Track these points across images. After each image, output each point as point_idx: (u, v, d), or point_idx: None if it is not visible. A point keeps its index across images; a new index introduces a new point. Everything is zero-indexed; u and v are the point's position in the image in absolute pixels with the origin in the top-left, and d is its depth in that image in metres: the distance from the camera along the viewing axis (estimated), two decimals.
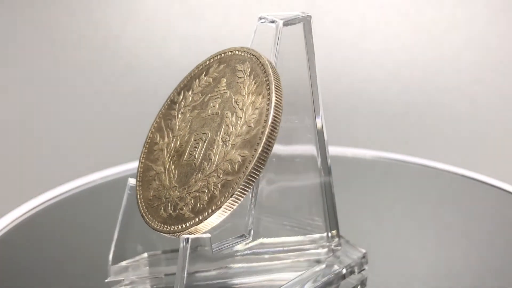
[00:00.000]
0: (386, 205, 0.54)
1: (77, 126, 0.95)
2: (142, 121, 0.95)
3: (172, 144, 0.39)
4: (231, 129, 0.35)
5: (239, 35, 0.96)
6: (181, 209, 0.35)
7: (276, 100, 0.34)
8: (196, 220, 0.34)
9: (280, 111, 0.34)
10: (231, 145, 0.35)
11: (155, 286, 0.39)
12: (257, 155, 0.33)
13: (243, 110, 0.35)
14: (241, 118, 0.35)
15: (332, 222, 0.40)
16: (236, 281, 0.38)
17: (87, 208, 0.53)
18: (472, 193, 0.56)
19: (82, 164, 0.86)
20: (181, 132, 0.38)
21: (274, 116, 0.34)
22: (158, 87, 0.97)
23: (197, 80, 0.40)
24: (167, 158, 0.38)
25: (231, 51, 0.38)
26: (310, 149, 0.39)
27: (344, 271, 0.40)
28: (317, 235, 0.40)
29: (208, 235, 0.34)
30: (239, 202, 0.33)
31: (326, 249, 0.40)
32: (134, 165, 0.56)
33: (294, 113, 0.39)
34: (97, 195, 0.55)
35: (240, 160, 0.34)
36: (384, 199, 0.55)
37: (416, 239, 0.48)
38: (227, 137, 0.35)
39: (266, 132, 0.34)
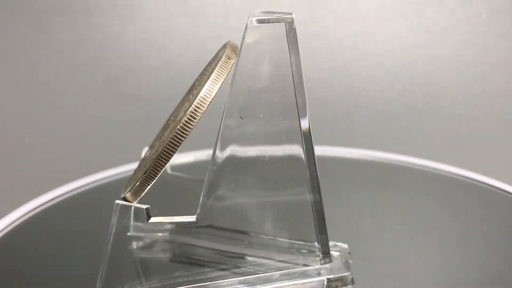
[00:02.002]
0: (385, 207, 0.54)
1: (77, 126, 0.95)
2: (142, 121, 0.95)
3: (170, 123, 0.41)
4: (182, 114, 0.37)
5: (239, 35, 0.96)
6: (131, 178, 0.38)
7: (204, 93, 0.35)
8: (127, 190, 0.36)
9: (203, 104, 0.35)
10: (171, 128, 0.37)
11: (166, 251, 0.40)
12: (168, 140, 0.35)
13: (195, 98, 0.37)
14: (190, 105, 0.37)
15: (320, 233, 0.40)
16: (189, 258, 0.40)
17: (87, 208, 0.53)
18: (472, 194, 0.56)
19: (82, 164, 0.86)
20: (177, 114, 0.40)
21: (196, 107, 0.35)
22: (158, 87, 0.97)
23: (209, 67, 0.41)
24: (162, 134, 0.40)
25: (228, 44, 0.40)
26: (296, 152, 0.39)
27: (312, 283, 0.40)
28: (300, 242, 0.40)
29: (144, 206, 0.37)
30: (152, 180, 0.35)
31: (308, 258, 0.40)
32: (134, 165, 0.56)
33: (278, 113, 0.39)
34: (98, 196, 0.55)
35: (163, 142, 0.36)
36: (383, 200, 0.55)
37: (416, 244, 0.48)
38: (178, 121, 0.37)
39: (182, 120, 0.35)
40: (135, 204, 0.37)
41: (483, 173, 0.58)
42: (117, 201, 0.37)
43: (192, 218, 0.38)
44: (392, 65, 0.98)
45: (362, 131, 0.94)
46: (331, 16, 1.00)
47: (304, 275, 0.40)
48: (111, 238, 0.37)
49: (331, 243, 0.41)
